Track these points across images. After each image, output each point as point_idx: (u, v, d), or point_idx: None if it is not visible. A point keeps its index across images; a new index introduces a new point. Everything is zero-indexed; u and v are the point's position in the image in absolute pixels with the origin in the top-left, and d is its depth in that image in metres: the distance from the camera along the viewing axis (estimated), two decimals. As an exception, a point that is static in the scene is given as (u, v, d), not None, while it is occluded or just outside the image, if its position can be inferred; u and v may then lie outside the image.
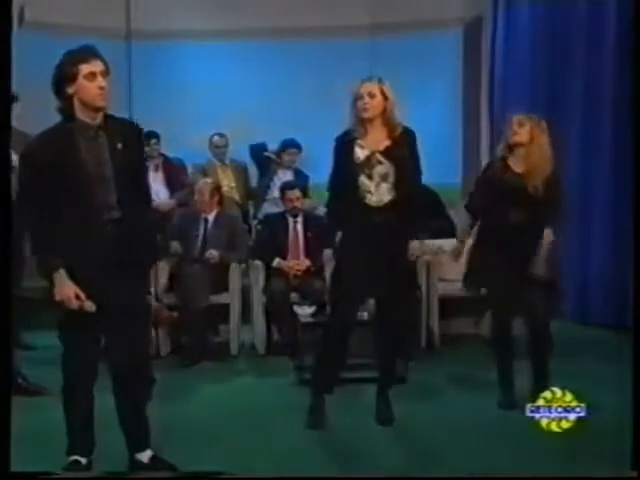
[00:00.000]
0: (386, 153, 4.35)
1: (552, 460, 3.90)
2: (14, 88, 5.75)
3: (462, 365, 5.72)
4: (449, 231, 7.42)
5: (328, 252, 4.41)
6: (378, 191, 4.34)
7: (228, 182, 7.70)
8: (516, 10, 7.35)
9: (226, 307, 6.16)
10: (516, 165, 4.67)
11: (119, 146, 3.52)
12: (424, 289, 6.20)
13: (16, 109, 5.89)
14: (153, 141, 7.17)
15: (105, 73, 3.50)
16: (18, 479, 3.31)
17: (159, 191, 7.26)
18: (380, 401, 4.59)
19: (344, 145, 4.38)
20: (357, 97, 4.32)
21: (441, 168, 7.89)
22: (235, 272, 6.21)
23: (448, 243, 6.77)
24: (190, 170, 7.69)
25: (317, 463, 4.01)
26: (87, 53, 3.51)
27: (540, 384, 4.44)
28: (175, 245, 6.22)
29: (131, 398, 3.69)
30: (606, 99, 6.78)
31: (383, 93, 4.32)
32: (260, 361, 6.03)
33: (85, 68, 3.46)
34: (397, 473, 3.86)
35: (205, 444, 4.20)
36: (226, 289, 6.17)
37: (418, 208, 4.42)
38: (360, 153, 4.35)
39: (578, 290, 6.93)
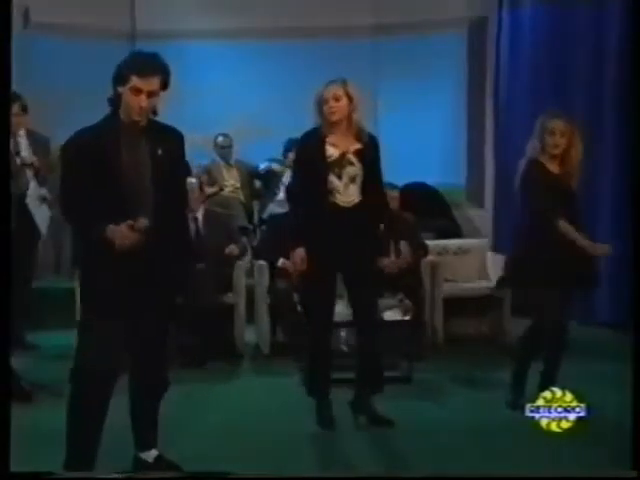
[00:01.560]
0: (358, 155, 4.34)
1: (552, 460, 3.89)
2: (19, 89, 5.85)
3: (466, 365, 5.72)
4: (453, 232, 7.45)
5: (301, 250, 4.31)
6: (347, 191, 4.32)
7: (233, 182, 7.72)
8: (520, 11, 7.35)
9: (231, 307, 6.16)
10: (554, 167, 4.59)
11: (160, 151, 3.49)
12: (429, 289, 6.21)
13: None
14: None
15: (154, 93, 3.42)
16: (18, 479, 3.31)
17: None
18: (366, 409, 4.50)
19: (314, 143, 4.35)
20: (322, 101, 4.30)
21: (445, 169, 7.92)
22: (240, 272, 6.22)
23: (452, 243, 6.81)
24: (194, 171, 7.70)
25: (321, 463, 4.01)
26: (146, 66, 3.42)
27: (550, 385, 4.44)
28: None
29: (147, 398, 3.69)
30: (610, 100, 6.79)
31: (348, 95, 4.30)
32: (264, 361, 6.03)
33: (135, 81, 3.39)
34: (401, 472, 3.87)
35: (209, 444, 4.20)
36: (231, 289, 6.18)
37: (385, 212, 4.49)
38: (332, 152, 4.33)
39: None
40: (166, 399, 3.77)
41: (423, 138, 7.82)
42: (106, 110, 3.53)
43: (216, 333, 6.08)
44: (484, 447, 4.14)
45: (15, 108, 5.87)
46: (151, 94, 3.43)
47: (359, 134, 4.37)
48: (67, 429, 3.52)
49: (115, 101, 3.49)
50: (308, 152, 4.38)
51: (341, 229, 4.30)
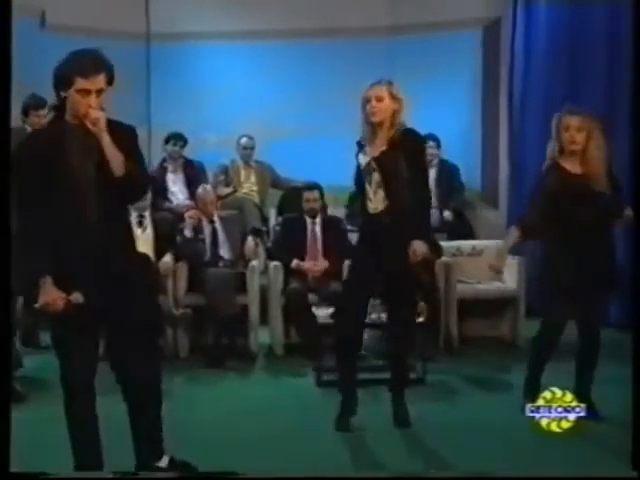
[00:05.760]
0: (378, 160, 4.29)
1: (552, 460, 3.88)
2: (35, 91, 5.88)
3: (480, 367, 5.71)
4: (467, 233, 7.43)
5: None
6: (376, 198, 4.33)
7: (250, 185, 7.72)
8: (535, 10, 7.32)
9: (244, 308, 6.16)
10: (574, 167, 4.47)
11: None
12: (443, 291, 6.19)
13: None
14: (180, 143, 7.22)
15: (102, 91, 3.33)
16: (18, 479, 3.32)
17: (179, 192, 7.31)
18: (396, 404, 4.57)
19: (358, 150, 4.42)
20: (365, 100, 4.30)
21: (460, 171, 7.89)
22: (253, 273, 6.23)
23: (466, 244, 6.79)
24: (214, 170, 7.71)
25: (335, 464, 4.01)
26: (90, 65, 3.31)
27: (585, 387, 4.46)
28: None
29: (142, 411, 3.60)
30: (626, 98, 6.74)
31: (392, 96, 4.28)
32: (278, 362, 6.03)
33: (80, 83, 3.29)
34: (412, 473, 3.86)
35: (223, 444, 4.21)
36: (244, 290, 6.19)
37: (414, 213, 4.27)
38: (362, 160, 4.37)
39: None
40: (178, 401, 3.77)
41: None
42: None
43: (230, 334, 6.09)
44: (489, 447, 4.13)
45: (45, 110, 5.91)
46: (99, 92, 3.33)
47: (396, 135, 4.27)
48: (69, 434, 3.51)
49: (60, 107, 3.40)
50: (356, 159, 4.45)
51: (372, 235, 4.38)
